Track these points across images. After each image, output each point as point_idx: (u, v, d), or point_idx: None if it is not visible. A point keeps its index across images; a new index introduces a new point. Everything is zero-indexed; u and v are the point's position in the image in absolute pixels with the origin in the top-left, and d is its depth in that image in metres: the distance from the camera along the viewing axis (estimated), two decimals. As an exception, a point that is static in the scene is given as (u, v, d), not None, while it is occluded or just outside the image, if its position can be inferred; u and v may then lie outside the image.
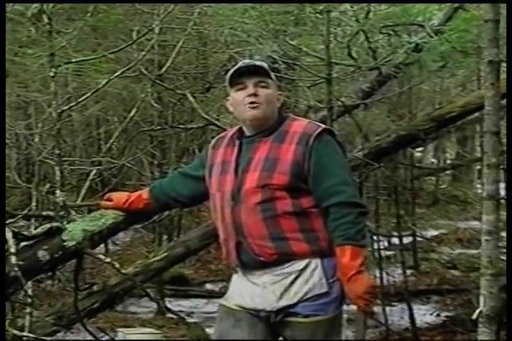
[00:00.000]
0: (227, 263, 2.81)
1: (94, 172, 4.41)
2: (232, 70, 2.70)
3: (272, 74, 2.72)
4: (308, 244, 2.58)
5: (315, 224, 2.60)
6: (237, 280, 2.76)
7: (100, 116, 8.06)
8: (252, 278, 2.67)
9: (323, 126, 2.69)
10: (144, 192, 3.06)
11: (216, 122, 4.79)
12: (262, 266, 2.62)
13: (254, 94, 2.64)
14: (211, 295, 7.44)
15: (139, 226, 4.72)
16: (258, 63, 2.70)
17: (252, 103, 2.64)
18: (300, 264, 2.59)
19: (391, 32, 5.12)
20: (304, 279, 2.58)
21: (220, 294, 6.91)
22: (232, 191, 2.64)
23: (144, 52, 3.87)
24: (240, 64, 2.71)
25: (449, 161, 14.47)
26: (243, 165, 2.66)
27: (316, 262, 2.58)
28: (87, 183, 4.27)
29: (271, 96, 2.68)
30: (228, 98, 2.79)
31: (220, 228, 2.73)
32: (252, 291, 2.66)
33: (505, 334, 2.57)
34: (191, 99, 4.90)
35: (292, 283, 2.58)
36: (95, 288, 3.78)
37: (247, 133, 2.74)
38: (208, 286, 8.04)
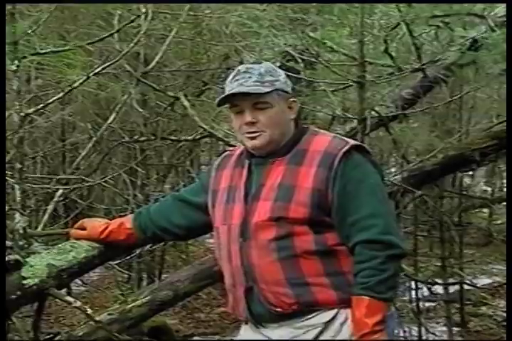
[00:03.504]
0: (234, 315, 2.81)
1: (60, 192, 4.41)
2: (224, 90, 2.69)
3: (279, 84, 2.69)
4: (336, 290, 2.59)
5: (344, 265, 2.60)
6: (246, 333, 2.77)
7: (67, 121, 8.09)
8: (265, 331, 2.69)
9: (352, 141, 2.69)
10: (127, 220, 3.07)
11: (217, 134, 4.80)
12: (279, 319, 2.63)
13: (252, 123, 2.66)
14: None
15: (115, 262, 4.73)
16: (253, 80, 2.65)
17: (250, 133, 2.67)
18: (326, 315, 2.59)
19: (441, 24, 5.14)
20: (331, 334, 2.59)
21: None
22: (242, 225, 2.66)
23: (132, 44, 3.91)
24: (231, 78, 2.70)
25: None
26: (252, 192, 2.68)
27: (345, 313, 2.59)
28: (51, 206, 4.28)
29: (275, 118, 2.67)
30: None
31: (226, 270, 2.74)
32: (264, 348, 2.68)
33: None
34: (186, 103, 4.92)
35: (316, 338, 2.59)
36: (58, 339, 3.77)
37: (257, 154, 2.76)
38: (197, 341, 7.99)
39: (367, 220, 2.56)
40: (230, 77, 2.71)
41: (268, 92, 2.64)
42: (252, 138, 2.66)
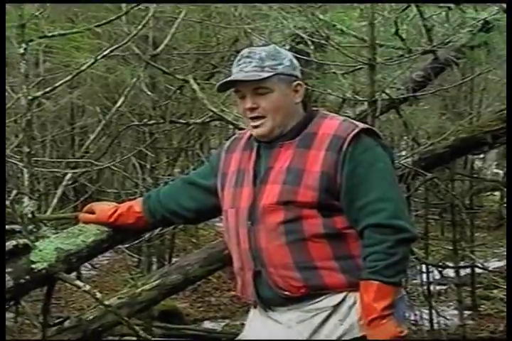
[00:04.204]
0: (242, 299, 2.82)
1: (69, 176, 4.42)
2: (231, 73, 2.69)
3: (282, 68, 2.66)
4: (345, 274, 2.58)
5: (352, 248, 2.60)
6: (255, 316, 2.78)
7: (75, 105, 8.10)
8: (273, 315, 2.69)
9: (362, 125, 2.67)
10: (136, 204, 3.07)
11: (226, 117, 4.79)
12: (287, 302, 2.63)
13: (252, 108, 2.65)
14: (211, 337, 7.41)
15: (125, 246, 4.74)
16: (252, 66, 2.64)
17: (252, 118, 2.67)
18: (334, 299, 2.59)
19: (451, 5, 5.11)
20: (339, 318, 2.59)
21: (223, 334, 6.97)
22: (250, 208, 2.66)
23: (140, 26, 3.90)
24: (235, 62, 2.70)
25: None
26: (261, 175, 2.68)
27: (354, 297, 2.58)
28: (60, 190, 4.29)
29: (277, 103, 2.65)
30: None
31: (235, 254, 2.75)
32: (272, 332, 2.68)
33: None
34: (195, 86, 4.91)
35: (324, 322, 2.60)
36: (67, 323, 3.77)
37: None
38: (207, 324, 7.99)
39: (376, 204, 2.55)
40: (235, 61, 2.71)
41: (268, 77, 2.63)
42: (255, 127, 2.67)
